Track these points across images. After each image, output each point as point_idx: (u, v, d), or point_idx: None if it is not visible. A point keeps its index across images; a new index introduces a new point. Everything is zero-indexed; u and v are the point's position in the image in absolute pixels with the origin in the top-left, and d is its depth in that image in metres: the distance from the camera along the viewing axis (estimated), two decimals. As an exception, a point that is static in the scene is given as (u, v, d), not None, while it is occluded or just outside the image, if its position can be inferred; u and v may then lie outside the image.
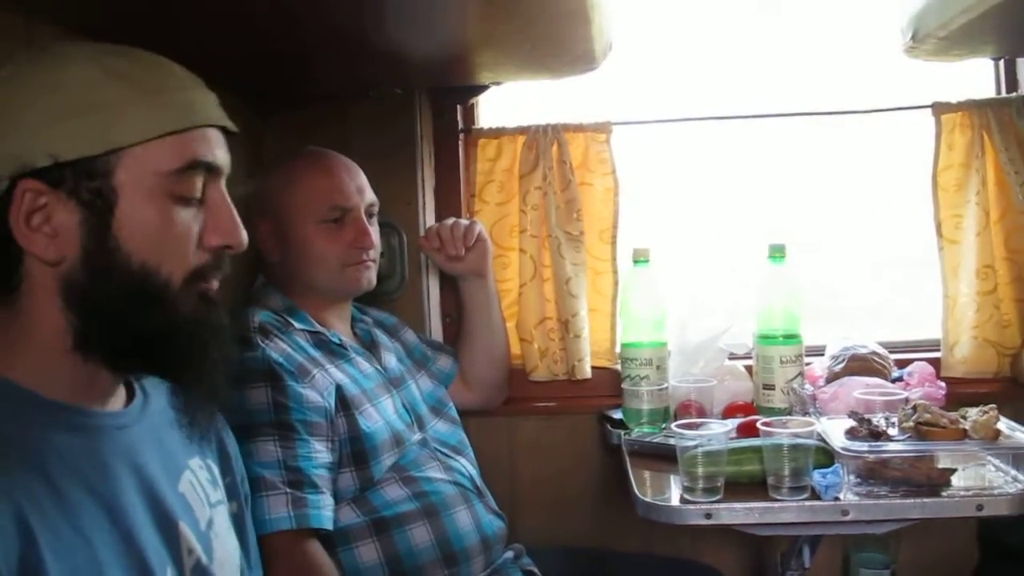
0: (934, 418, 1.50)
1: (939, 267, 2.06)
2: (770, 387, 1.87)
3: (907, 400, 1.60)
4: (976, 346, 2.03)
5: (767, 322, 1.89)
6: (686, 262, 2.18)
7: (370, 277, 1.73)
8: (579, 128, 2.10)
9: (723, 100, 2.13)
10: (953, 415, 1.52)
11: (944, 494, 1.47)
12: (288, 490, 1.41)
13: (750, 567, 2.07)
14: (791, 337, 1.87)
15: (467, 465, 1.72)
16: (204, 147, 0.95)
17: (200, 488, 1.09)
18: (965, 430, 1.49)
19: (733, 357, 2.01)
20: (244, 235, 0.99)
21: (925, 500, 1.46)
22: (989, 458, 1.53)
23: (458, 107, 2.15)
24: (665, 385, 1.87)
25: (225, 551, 1.10)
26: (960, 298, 2.05)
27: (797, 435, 1.50)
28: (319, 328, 1.65)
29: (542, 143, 2.07)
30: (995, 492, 1.46)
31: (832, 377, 1.89)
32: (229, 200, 0.99)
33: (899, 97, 2.10)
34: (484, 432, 2.01)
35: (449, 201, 2.13)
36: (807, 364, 1.92)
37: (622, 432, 1.85)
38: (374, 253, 1.73)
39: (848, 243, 2.22)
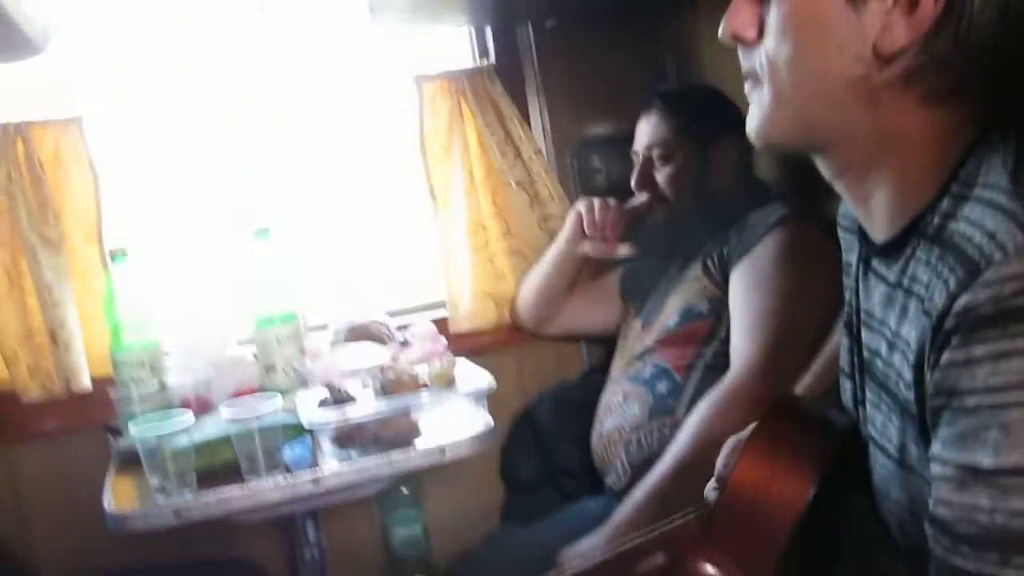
0: (396, 375, 1.55)
1: (436, 230, 2.15)
2: (272, 368, 1.84)
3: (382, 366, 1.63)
4: (476, 300, 2.15)
5: (261, 305, 1.85)
6: (176, 254, 2.08)
7: None
8: (47, 123, 1.93)
9: (203, 85, 2.07)
10: (415, 371, 1.57)
11: (418, 444, 1.53)
12: None
13: (286, 554, 2.03)
14: (286, 317, 1.85)
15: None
16: None
17: None
18: (425, 383, 1.55)
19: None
20: None
21: (394, 457, 1.50)
22: (455, 401, 1.60)
23: None
24: (158, 388, 1.77)
25: None
26: (456, 257, 2.15)
27: (265, 414, 1.48)
28: None
29: (2, 142, 1.88)
30: (457, 437, 1.53)
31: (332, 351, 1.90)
32: None
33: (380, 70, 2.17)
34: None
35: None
36: (313, 340, 1.92)
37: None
38: None
39: (346, 216, 2.24)
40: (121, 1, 2.00)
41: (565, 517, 1.83)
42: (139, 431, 1.43)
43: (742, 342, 1.62)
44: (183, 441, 1.44)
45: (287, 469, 1.47)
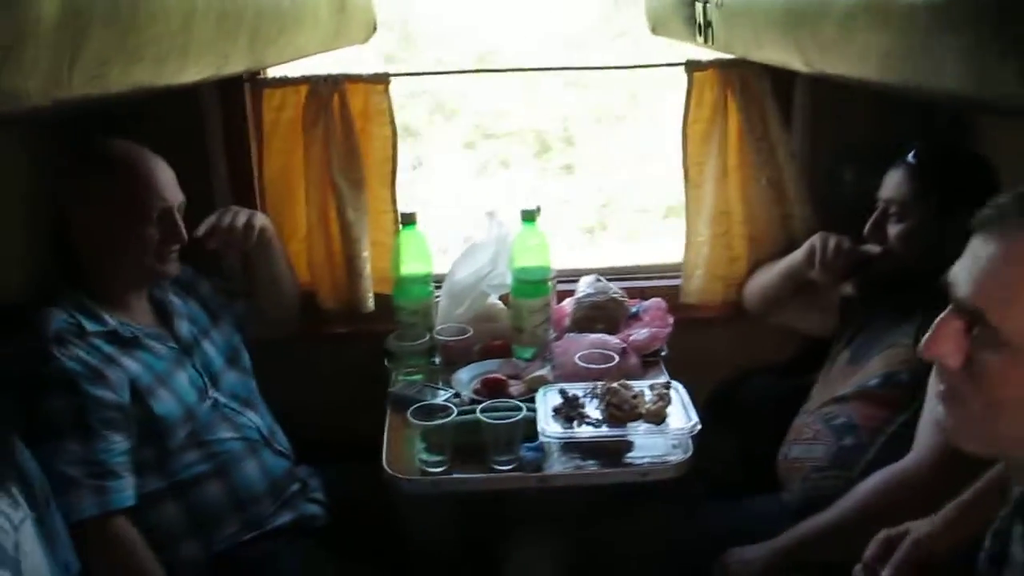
0: (619, 401, 1.85)
1: (684, 208, 2.34)
2: (520, 330, 2.17)
3: (603, 381, 1.91)
4: (708, 279, 2.35)
5: (518, 274, 2.15)
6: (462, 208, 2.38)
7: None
8: (359, 79, 2.22)
9: (491, 53, 2.26)
10: (635, 399, 1.86)
11: (626, 459, 1.86)
12: (91, 481, 1.66)
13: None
14: (539, 289, 2.14)
15: (254, 417, 2.00)
16: None
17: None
18: (641, 414, 1.84)
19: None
20: None
21: (606, 469, 1.83)
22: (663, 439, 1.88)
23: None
24: (427, 337, 2.15)
25: (33, 566, 1.38)
26: (698, 237, 2.34)
27: (516, 406, 1.84)
28: (111, 325, 1.82)
29: (324, 94, 2.20)
30: (661, 460, 1.84)
31: (572, 325, 2.21)
32: None
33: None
34: (282, 356, 2.28)
35: (240, 151, 2.27)
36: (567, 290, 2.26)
37: (389, 383, 2.13)
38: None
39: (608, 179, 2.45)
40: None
41: (742, 508, 2.12)
42: (413, 416, 1.83)
43: (930, 431, 1.78)
44: (444, 423, 1.83)
45: (522, 463, 1.84)
